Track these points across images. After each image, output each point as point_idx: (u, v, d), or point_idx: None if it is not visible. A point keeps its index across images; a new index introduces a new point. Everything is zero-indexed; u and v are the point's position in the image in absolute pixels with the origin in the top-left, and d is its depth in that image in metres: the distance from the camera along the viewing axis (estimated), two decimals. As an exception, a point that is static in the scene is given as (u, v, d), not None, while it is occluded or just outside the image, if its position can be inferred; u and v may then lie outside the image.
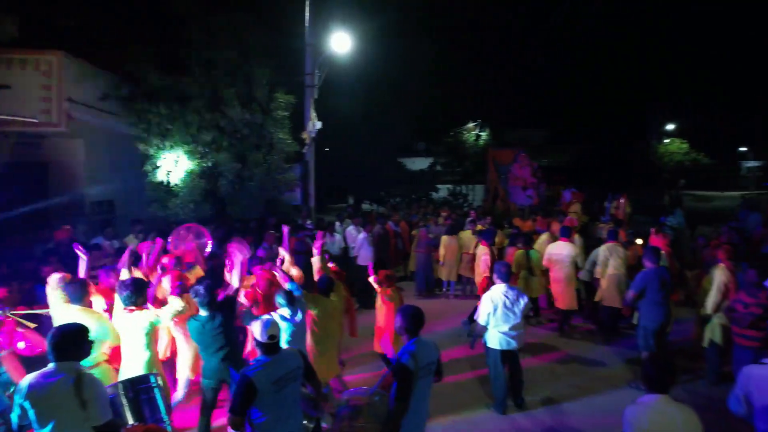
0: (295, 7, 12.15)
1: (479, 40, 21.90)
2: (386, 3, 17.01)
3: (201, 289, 4.40)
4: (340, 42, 11.59)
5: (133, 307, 4.28)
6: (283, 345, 4.39)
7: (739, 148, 42.98)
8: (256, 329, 3.38)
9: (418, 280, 10.78)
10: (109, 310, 4.70)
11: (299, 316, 4.89)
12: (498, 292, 5.38)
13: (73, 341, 3.10)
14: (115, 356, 4.60)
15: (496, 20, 22.19)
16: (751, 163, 43.19)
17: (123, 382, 3.73)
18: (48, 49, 8.78)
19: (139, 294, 4.32)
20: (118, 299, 4.40)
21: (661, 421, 2.77)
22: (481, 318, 5.41)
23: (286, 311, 4.85)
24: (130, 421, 3.57)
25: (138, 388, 3.76)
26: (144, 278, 5.01)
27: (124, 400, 3.61)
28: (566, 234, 8.21)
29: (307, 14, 11.80)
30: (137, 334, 4.27)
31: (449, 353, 7.07)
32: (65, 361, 3.04)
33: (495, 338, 5.38)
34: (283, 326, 4.69)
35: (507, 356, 5.46)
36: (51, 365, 3.05)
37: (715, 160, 26.62)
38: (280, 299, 4.86)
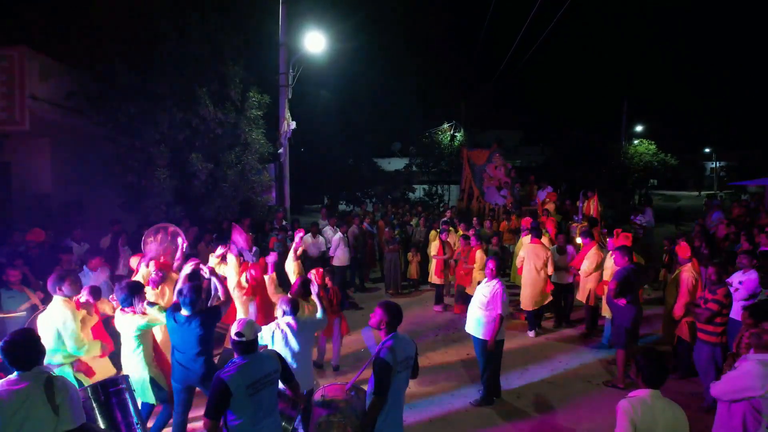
0: (268, 6, 12.02)
1: (454, 41, 22.08)
2: (360, 3, 16.98)
3: (185, 289, 4.22)
4: (314, 42, 11.53)
5: (128, 308, 4.35)
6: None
7: (704, 149, 44.65)
8: (232, 327, 3.36)
9: (386, 278, 10.92)
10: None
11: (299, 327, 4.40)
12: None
13: (27, 347, 2.99)
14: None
15: (469, 22, 22.39)
16: (715, 164, 44.90)
17: (93, 385, 3.64)
18: (9, 44, 8.46)
19: (135, 295, 4.35)
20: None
21: (653, 414, 2.86)
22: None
23: (288, 319, 4.38)
24: (102, 425, 3.48)
25: (109, 391, 3.67)
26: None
27: (94, 404, 3.51)
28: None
29: (284, 14, 11.67)
30: (129, 335, 4.37)
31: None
32: (28, 368, 2.93)
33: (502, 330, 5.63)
34: (280, 337, 4.30)
35: None
36: (14, 374, 2.94)
37: (680, 161, 27.41)
38: (284, 307, 4.42)
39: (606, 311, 7.33)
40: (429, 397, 5.86)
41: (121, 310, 4.38)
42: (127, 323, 4.35)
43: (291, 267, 6.43)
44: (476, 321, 5.60)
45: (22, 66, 8.31)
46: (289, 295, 5.28)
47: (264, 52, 12.52)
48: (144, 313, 4.37)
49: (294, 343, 4.31)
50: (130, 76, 9.24)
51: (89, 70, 9.50)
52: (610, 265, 7.21)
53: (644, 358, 3.02)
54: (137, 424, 3.67)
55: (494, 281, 5.54)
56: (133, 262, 6.04)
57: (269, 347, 4.27)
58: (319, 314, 4.77)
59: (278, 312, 4.51)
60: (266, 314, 5.96)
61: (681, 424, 2.88)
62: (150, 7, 9.78)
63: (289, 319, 4.41)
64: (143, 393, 4.47)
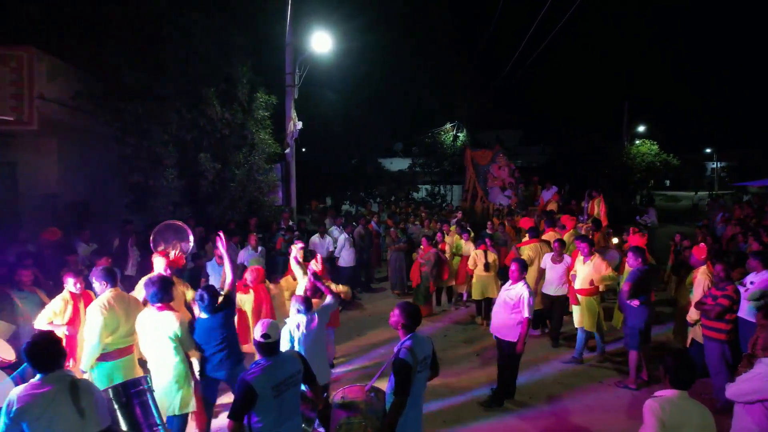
0: (275, 6, 11.99)
1: (458, 41, 21.99)
2: (365, 4, 16.96)
3: (206, 295, 4.39)
4: (321, 42, 11.51)
5: (160, 305, 4.25)
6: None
7: (705, 149, 44.77)
8: (256, 329, 3.36)
9: (392, 278, 10.94)
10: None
11: (315, 323, 4.64)
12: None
13: (51, 349, 2.99)
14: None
15: (474, 23, 22.39)
16: (715, 164, 45.04)
17: (114, 387, 3.62)
18: (18, 45, 8.43)
19: (166, 292, 4.28)
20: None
21: (681, 415, 2.84)
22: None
23: (302, 318, 4.58)
24: (124, 427, 3.48)
25: (130, 392, 3.66)
26: None
27: (116, 406, 3.50)
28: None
29: (288, 13, 11.64)
30: (163, 336, 4.20)
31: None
32: (51, 370, 2.93)
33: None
34: (297, 335, 4.53)
35: None
36: (37, 377, 2.93)
37: (681, 161, 27.44)
38: (297, 305, 4.59)
39: (576, 320, 6.99)
40: (440, 397, 5.86)
41: (153, 306, 4.26)
42: (161, 321, 4.21)
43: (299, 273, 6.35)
44: (501, 323, 5.59)
45: (31, 66, 8.26)
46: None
47: (271, 53, 12.50)
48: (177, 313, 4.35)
49: (308, 338, 4.52)
50: (136, 76, 9.22)
51: (95, 70, 9.48)
52: (586, 274, 6.74)
53: (673, 360, 2.98)
54: (159, 425, 3.66)
55: (519, 284, 5.50)
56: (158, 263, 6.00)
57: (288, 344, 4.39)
58: (327, 299, 4.95)
59: (292, 310, 4.63)
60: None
61: (709, 424, 2.88)
62: (155, 8, 9.74)
63: (303, 317, 4.53)
64: (172, 402, 4.29)
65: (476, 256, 8.72)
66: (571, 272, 7.17)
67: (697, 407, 2.91)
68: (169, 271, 5.47)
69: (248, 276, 5.91)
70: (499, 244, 10.36)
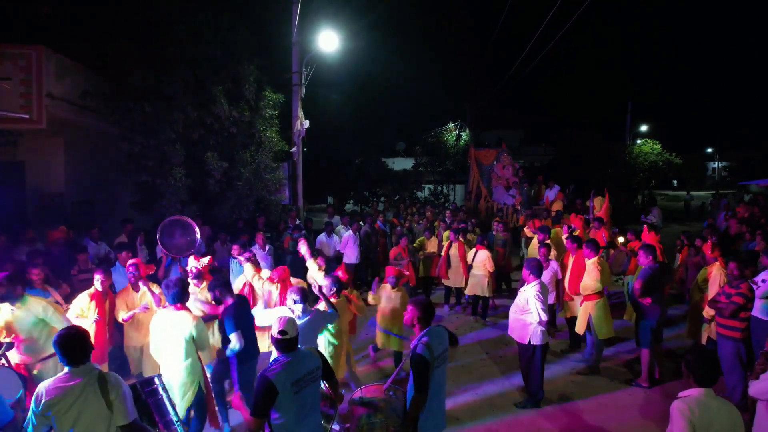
0: (282, 5, 11.99)
1: (462, 41, 21.95)
2: (370, 4, 16.99)
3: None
4: (327, 41, 11.50)
5: (179, 304, 4.30)
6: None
7: (706, 149, 44.76)
8: (273, 325, 3.35)
9: None
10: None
11: (305, 318, 4.64)
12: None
13: (81, 342, 2.99)
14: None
15: (479, 24, 22.36)
16: (717, 164, 45.04)
17: (133, 384, 3.62)
18: (27, 44, 8.43)
19: (184, 293, 4.36)
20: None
21: (709, 414, 2.82)
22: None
23: (298, 308, 4.63)
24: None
25: (144, 391, 3.68)
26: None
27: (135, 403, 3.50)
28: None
29: (297, 13, 11.64)
30: (178, 336, 4.23)
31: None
32: (81, 363, 2.95)
33: (541, 335, 5.45)
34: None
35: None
36: (65, 370, 2.94)
37: (683, 161, 27.41)
38: (293, 296, 4.60)
39: (581, 328, 6.61)
40: (452, 394, 5.84)
41: (171, 306, 4.30)
42: (177, 321, 4.24)
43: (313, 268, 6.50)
44: (512, 325, 5.58)
45: (40, 65, 8.26)
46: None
47: (278, 51, 12.51)
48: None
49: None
50: (144, 76, 9.21)
51: (104, 69, 9.47)
52: (591, 282, 6.38)
53: (695, 358, 2.94)
54: (177, 422, 3.66)
55: (530, 285, 5.44)
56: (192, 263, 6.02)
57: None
58: (330, 310, 4.95)
59: (289, 301, 4.65)
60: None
61: (736, 422, 2.86)
62: (162, 9, 9.73)
63: (299, 306, 4.56)
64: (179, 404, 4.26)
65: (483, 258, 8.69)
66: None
67: (724, 405, 2.89)
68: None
69: (274, 275, 5.99)
70: (498, 245, 10.30)
